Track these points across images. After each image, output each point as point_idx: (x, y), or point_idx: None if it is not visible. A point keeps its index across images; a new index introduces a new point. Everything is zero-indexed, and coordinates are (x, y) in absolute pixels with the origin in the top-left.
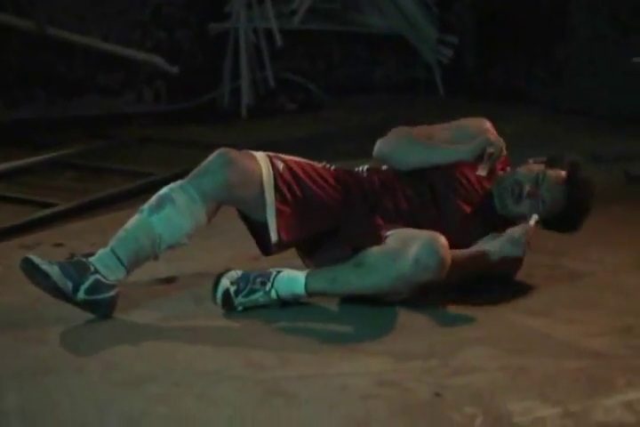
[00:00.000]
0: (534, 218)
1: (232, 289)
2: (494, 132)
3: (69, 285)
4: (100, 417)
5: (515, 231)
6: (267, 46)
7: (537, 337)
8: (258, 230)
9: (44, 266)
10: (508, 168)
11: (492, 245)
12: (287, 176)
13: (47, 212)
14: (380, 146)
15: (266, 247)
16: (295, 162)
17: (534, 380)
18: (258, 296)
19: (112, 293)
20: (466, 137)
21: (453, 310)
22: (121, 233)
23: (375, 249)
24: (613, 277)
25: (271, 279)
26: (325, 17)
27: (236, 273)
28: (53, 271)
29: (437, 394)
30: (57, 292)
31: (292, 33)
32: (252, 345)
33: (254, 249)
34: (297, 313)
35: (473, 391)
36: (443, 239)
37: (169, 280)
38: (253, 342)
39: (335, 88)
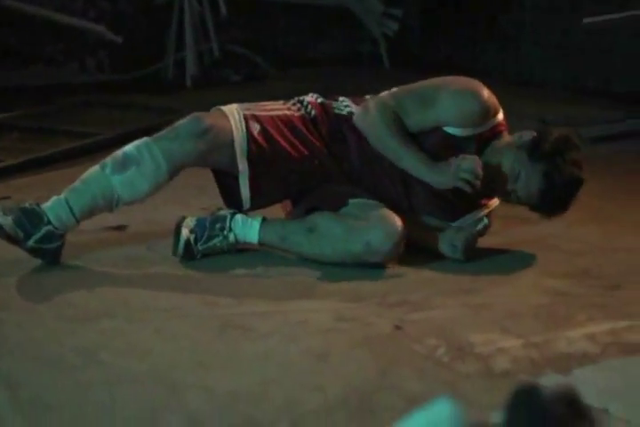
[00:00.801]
0: (483, 223)
1: (192, 238)
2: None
3: (21, 234)
4: (56, 350)
5: (456, 238)
6: (211, 17)
7: (495, 278)
8: (228, 186)
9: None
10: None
11: (440, 239)
12: (261, 140)
13: None
14: (359, 117)
15: (233, 206)
16: (272, 119)
17: (495, 315)
18: (216, 242)
19: (60, 242)
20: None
21: (411, 254)
22: (78, 185)
23: (330, 218)
24: (566, 227)
25: (228, 224)
26: None
27: (191, 221)
28: (6, 222)
29: (398, 327)
30: (9, 239)
31: (236, 3)
32: (207, 287)
33: (205, 202)
34: (253, 258)
35: (434, 325)
36: (399, 225)
37: (119, 228)
38: (208, 284)
39: (279, 60)
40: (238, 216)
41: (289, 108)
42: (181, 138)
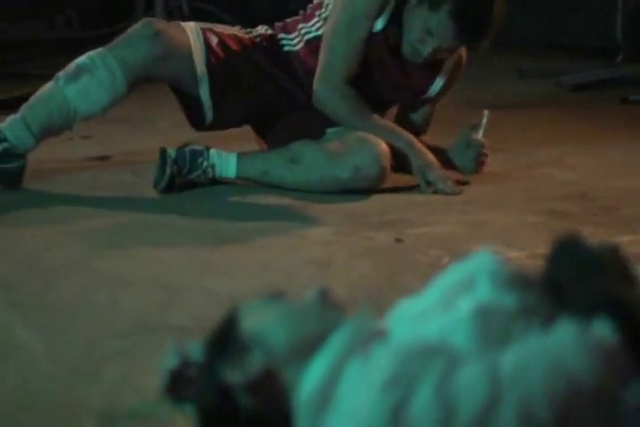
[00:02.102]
0: (483, 123)
1: (175, 169)
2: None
3: None
4: (49, 259)
5: (467, 155)
6: None
7: (488, 201)
8: (189, 104)
9: None
10: None
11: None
12: (220, 52)
13: None
14: (317, 102)
15: (198, 123)
16: (231, 36)
17: (495, 230)
18: (195, 175)
19: (19, 162)
20: None
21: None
22: (33, 101)
23: (313, 147)
24: (558, 158)
25: (206, 157)
26: None
27: (171, 151)
28: None
29: (399, 240)
30: None
31: None
32: (196, 207)
33: (184, 137)
34: (238, 187)
35: (435, 239)
36: (385, 147)
37: (103, 158)
38: (197, 206)
39: (248, 18)
40: (213, 150)
41: (244, 33)
42: (134, 42)
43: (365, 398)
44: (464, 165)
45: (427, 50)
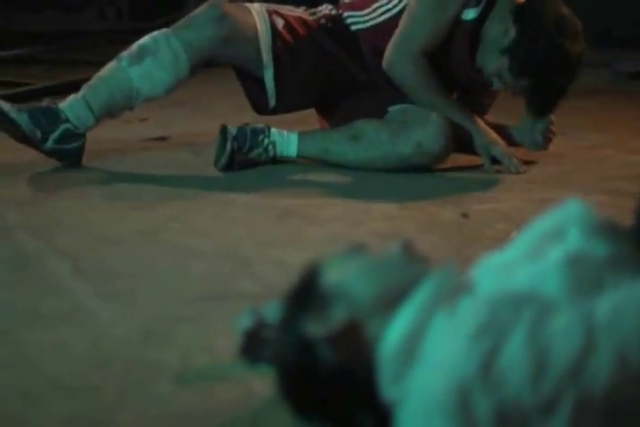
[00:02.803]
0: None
1: (235, 146)
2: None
3: (38, 134)
4: (114, 231)
5: (535, 132)
6: None
7: (550, 179)
8: (252, 88)
9: (13, 114)
10: None
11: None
12: (287, 35)
13: (25, 88)
14: (388, 67)
15: (261, 108)
16: (296, 18)
17: None
18: (256, 153)
19: (80, 142)
20: None
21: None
22: (95, 81)
23: (375, 123)
24: (617, 140)
25: (267, 134)
26: None
27: (232, 128)
28: (22, 119)
29: (465, 215)
30: (25, 140)
31: None
32: (260, 183)
33: (243, 121)
34: (297, 165)
35: (501, 214)
36: (447, 124)
37: (162, 139)
38: (260, 181)
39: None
40: (274, 129)
41: (309, 15)
42: (199, 25)
43: (455, 348)
44: (531, 141)
45: (496, 85)
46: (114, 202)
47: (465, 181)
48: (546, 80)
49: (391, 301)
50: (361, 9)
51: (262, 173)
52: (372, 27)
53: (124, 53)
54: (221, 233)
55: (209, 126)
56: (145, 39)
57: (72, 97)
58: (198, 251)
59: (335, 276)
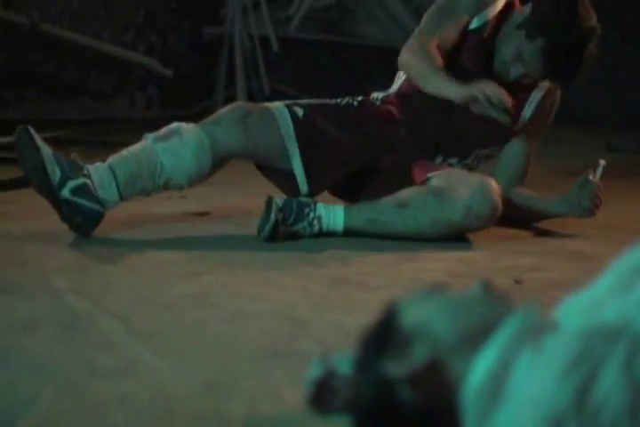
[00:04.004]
0: (600, 171)
1: (280, 217)
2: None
3: (57, 173)
4: (164, 296)
5: (583, 198)
6: (262, 54)
7: (600, 247)
8: (279, 177)
9: (39, 141)
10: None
11: (556, 205)
12: (307, 123)
13: None
14: (400, 61)
15: (292, 193)
16: (316, 105)
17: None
18: (301, 226)
19: (98, 207)
20: None
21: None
22: (121, 152)
23: (421, 190)
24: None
25: (313, 208)
26: (321, 26)
27: (280, 200)
28: (46, 150)
29: (518, 282)
30: (41, 177)
31: (286, 42)
32: (308, 252)
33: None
34: (340, 238)
35: (554, 282)
36: (494, 184)
37: (202, 214)
38: (308, 249)
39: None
40: (321, 204)
41: (329, 101)
42: (224, 124)
43: (545, 384)
44: (579, 206)
45: (515, 73)
46: (160, 268)
47: (514, 250)
48: (560, 35)
49: (473, 339)
50: (382, 90)
51: (306, 242)
52: (394, 91)
53: (150, 134)
54: (273, 297)
55: (247, 203)
56: (173, 124)
57: (96, 164)
58: (251, 313)
59: (414, 314)
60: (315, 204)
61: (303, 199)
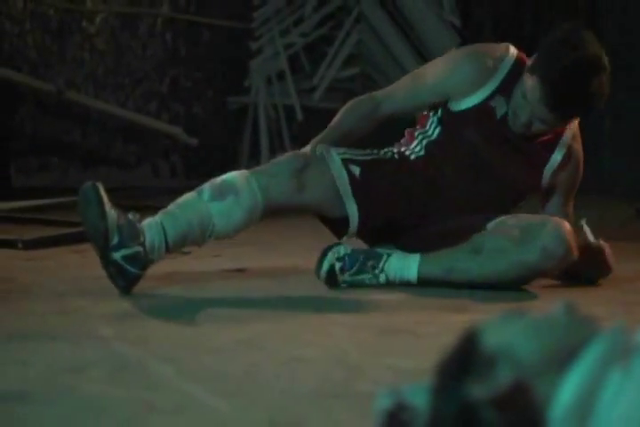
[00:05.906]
0: (588, 231)
1: (337, 266)
2: None
3: (116, 239)
4: (211, 341)
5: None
6: (287, 124)
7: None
8: (331, 223)
9: (107, 207)
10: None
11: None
12: (364, 182)
13: None
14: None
15: (340, 232)
16: (370, 162)
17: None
18: (365, 277)
19: (142, 271)
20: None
21: None
22: (174, 210)
23: (493, 235)
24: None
25: (382, 264)
26: (346, 95)
27: (344, 249)
28: (112, 217)
29: None
30: (100, 237)
31: (310, 111)
32: (356, 302)
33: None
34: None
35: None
36: (568, 225)
37: (239, 270)
38: (357, 299)
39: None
40: (394, 256)
41: (378, 154)
42: (280, 175)
43: (636, 406)
44: (591, 270)
45: (523, 115)
46: (206, 317)
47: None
48: (555, 60)
49: (559, 361)
50: (410, 142)
51: (355, 290)
52: (423, 154)
53: (207, 186)
54: (325, 343)
55: (283, 262)
56: (228, 176)
57: (150, 220)
58: (304, 358)
59: (497, 337)
60: (388, 255)
61: (380, 250)
